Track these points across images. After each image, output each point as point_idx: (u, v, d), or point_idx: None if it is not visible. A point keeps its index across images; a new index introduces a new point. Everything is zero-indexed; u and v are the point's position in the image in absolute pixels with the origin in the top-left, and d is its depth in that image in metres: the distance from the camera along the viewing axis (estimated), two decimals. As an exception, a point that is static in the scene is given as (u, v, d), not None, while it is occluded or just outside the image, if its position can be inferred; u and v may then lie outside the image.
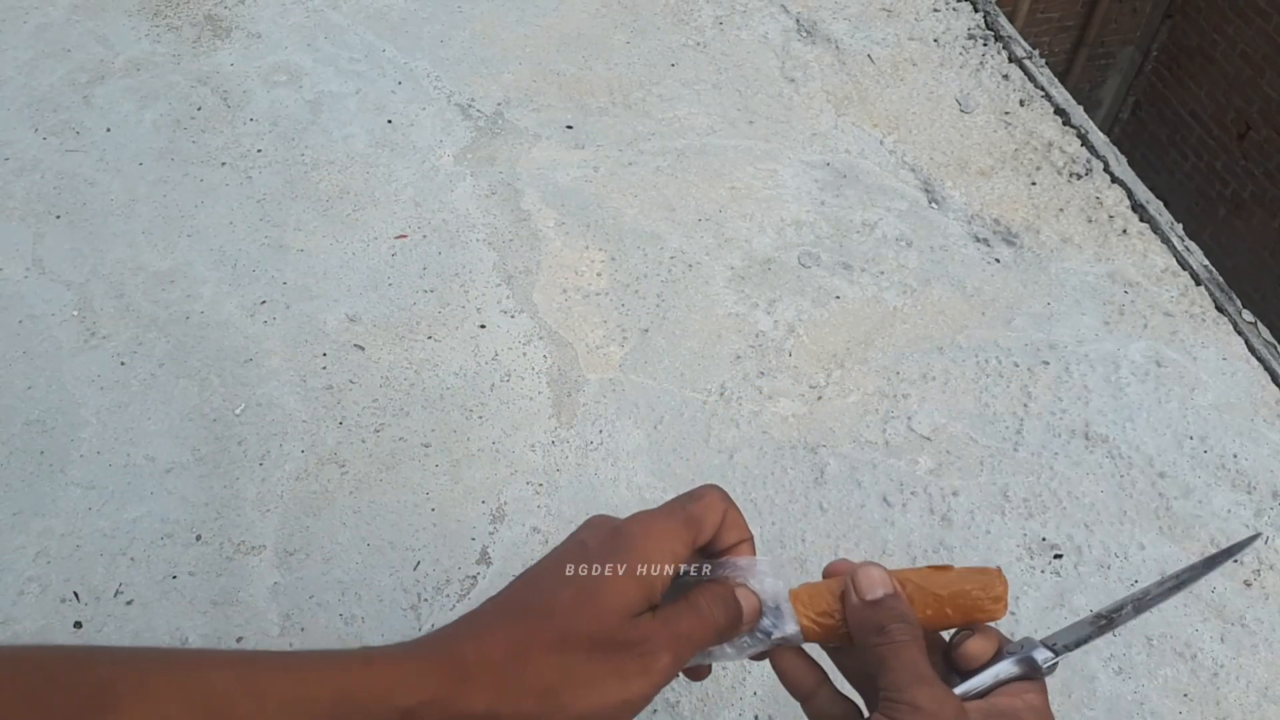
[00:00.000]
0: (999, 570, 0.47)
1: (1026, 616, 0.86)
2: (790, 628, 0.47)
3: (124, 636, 0.84)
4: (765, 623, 0.47)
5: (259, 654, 0.38)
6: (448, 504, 0.93)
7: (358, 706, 0.37)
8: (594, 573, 0.41)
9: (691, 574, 0.46)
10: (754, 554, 0.48)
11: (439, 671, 0.39)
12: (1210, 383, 1.03)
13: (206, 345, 1.05)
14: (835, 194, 1.23)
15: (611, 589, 0.41)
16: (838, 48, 1.43)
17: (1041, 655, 0.46)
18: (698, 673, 0.49)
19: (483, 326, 1.08)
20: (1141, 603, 0.47)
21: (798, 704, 0.48)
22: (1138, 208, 1.21)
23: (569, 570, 0.42)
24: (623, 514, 0.47)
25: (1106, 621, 0.47)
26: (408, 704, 0.38)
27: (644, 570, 0.42)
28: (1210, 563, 0.49)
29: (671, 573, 0.43)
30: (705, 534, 0.46)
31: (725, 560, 0.47)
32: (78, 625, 0.85)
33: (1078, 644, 0.47)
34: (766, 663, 0.48)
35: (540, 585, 0.42)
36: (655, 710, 0.81)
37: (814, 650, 0.49)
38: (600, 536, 0.44)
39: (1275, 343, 1.07)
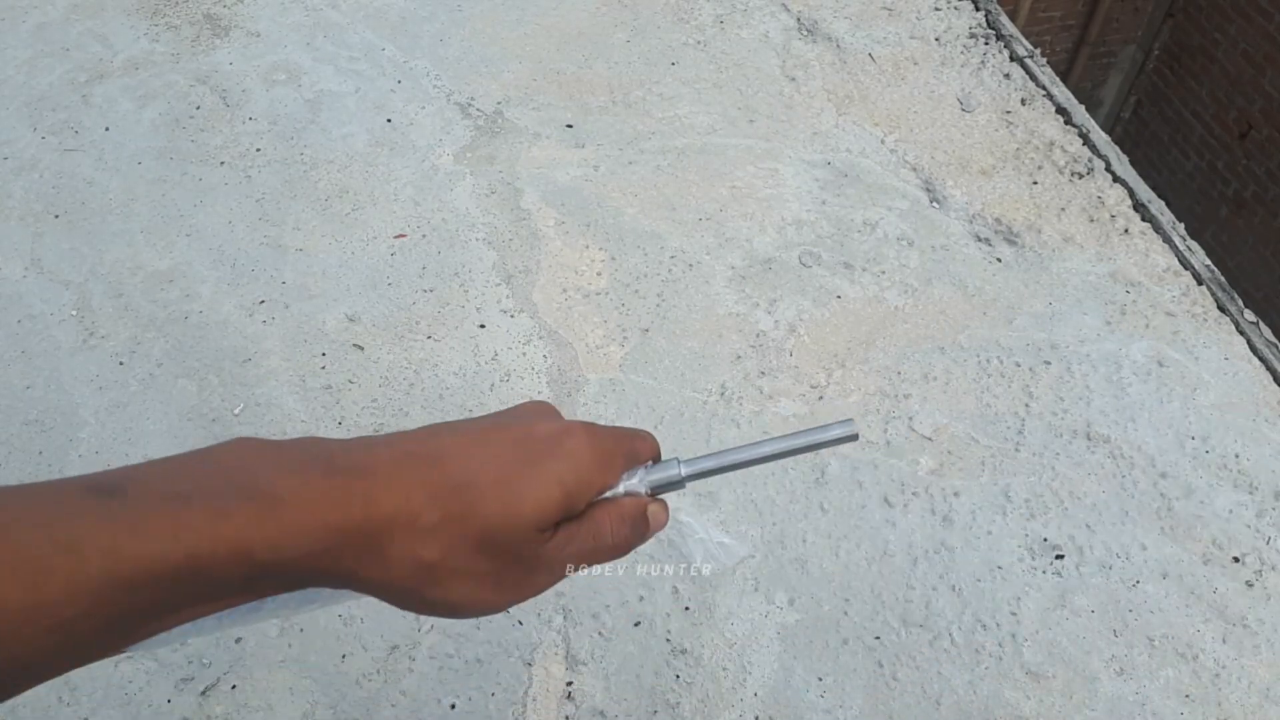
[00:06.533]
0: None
1: (1028, 617, 0.86)
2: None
3: (122, 637, 0.84)
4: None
5: (90, 489, 0.31)
6: (447, 504, 0.93)
7: (238, 561, 0.32)
8: (530, 468, 0.38)
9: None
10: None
11: (343, 530, 0.34)
12: (1212, 383, 1.03)
13: (205, 345, 1.05)
14: (836, 193, 1.23)
15: (539, 494, 0.37)
16: (839, 47, 1.43)
17: (660, 473, 0.44)
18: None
19: (482, 326, 1.08)
20: (753, 459, 0.45)
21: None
22: (1139, 207, 1.20)
23: (505, 449, 0.38)
24: None
25: (731, 464, 0.45)
26: (281, 559, 0.33)
27: (575, 488, 0.39)
28: (810, 445, 0.45)
29: (593, 498, 0.41)
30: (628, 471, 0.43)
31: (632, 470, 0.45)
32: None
33: (699, 474, 0.45)
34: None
35: (470, 450, 0.38)
36: (655, 711, 0.81)
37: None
38: (548, 430, 0.40)
39: (1277, 342, 1.07)
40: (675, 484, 0.44)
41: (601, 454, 0.40)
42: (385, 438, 0.38)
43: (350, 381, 1.02)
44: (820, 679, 0.81)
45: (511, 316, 1.09)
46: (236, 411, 0.99)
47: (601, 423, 0.45)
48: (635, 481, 0.43)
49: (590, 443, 0.40)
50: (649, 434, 0.45)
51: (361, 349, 1.05)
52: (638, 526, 0.43)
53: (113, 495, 0.31)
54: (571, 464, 0.39)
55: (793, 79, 1.38)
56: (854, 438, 0.44)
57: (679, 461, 0.44)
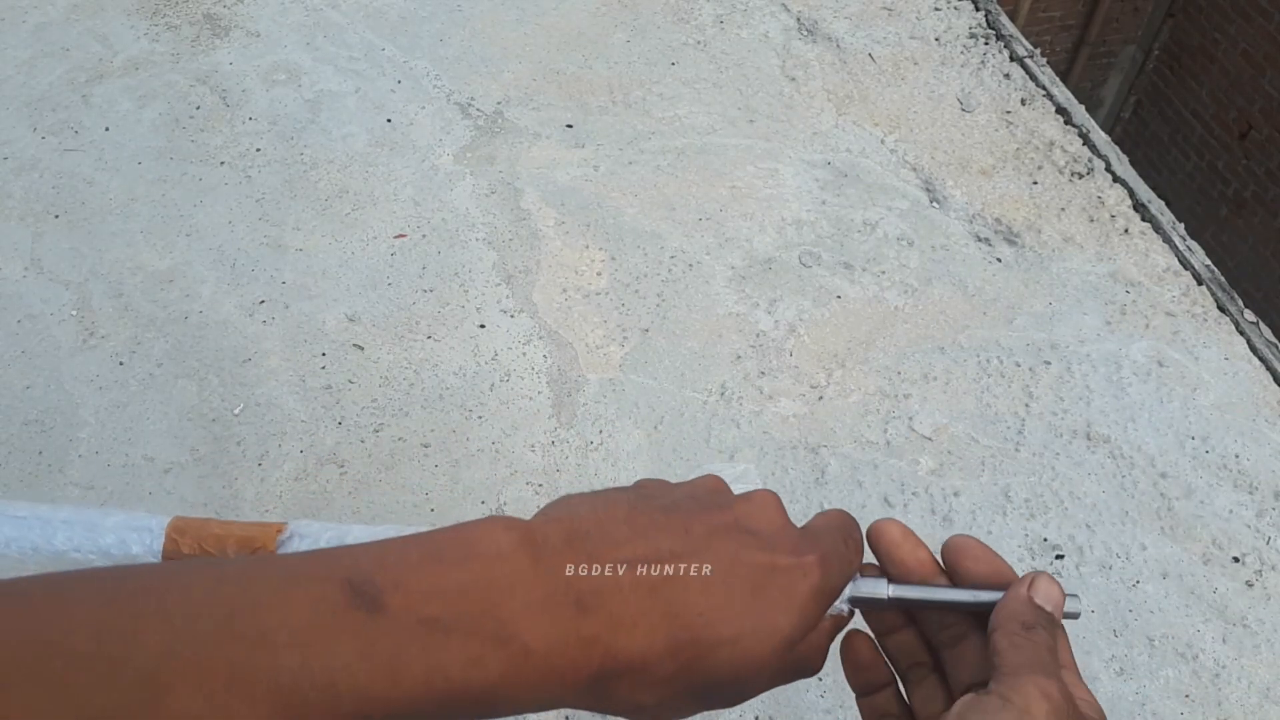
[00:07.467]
0: None
1: (1028, 617, 0.86)
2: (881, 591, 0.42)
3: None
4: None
5: (353, 594, 0.30)
6: (447, 505, 0.93)
7: (476, 706, 0.31)
8: (763, 622, 0.36)
9: None
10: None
11: (577, 683, 0.33)
12: (1212, 383, 1.03)
13: (205, 345, 1.05)
14: (836, 193, 1.23)
15: (764, 655, 0.36)
16: (838, 46, 1.43)
17: (865, 590, 0.41)
18: None
19: (482, 326, 1.08)
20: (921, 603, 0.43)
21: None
22: (1139, 207, 1.20)
23: (746, 590, 0.36)
24: None
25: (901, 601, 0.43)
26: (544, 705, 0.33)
27: (795, 641, 0.37)
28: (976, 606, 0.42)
29: None
30: None
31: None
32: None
33: (905, 601, 0.42)
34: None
35: (716, 593, 0.36)
36: (655, 711, 0.81)
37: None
38: (788, 568, 0.37)
39: (1277, 342, 1.07)
40: (877, 605, 0.41)
41: (828, 594, 0.39)
42: (631, 534, 0.36)
43: (350, 381, 1.02)
44: (820, 679, 0.81)
45: (511, 316, 1.09)
46: (236, 411, 0.99)
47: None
48: (840, 601, 0.41)
49: (822, 585, 0.38)
50: (861, 539, 0.43)
51: (361, 349, 1.05)
52: (828, 647, 0.41)
53: (374, 611, 0.30)
54: (800, 618, 0.37)
55: (793, 79, 1.38)
56: (1076, 615, 0.41)
57: (888, 583, 0.42)
